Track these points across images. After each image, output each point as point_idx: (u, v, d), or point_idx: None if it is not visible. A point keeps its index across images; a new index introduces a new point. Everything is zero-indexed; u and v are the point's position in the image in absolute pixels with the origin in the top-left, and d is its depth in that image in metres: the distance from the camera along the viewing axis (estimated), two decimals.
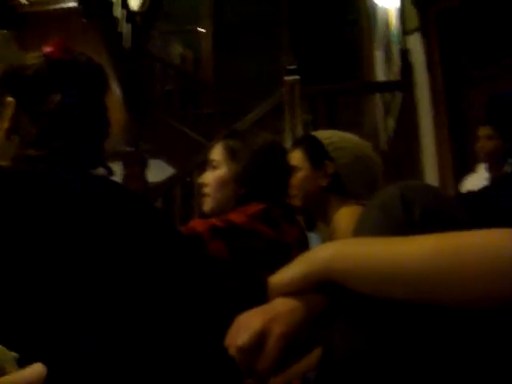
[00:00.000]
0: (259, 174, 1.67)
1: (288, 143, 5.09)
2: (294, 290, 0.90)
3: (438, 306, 0.79)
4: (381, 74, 7.36)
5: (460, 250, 0.78)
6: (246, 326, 0.86)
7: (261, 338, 0.85)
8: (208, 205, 1.74)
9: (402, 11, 5.33)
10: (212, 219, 1.48)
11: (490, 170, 3.70)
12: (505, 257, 0.74)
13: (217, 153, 1.76)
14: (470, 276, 0.76)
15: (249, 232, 1.44)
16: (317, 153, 1.95)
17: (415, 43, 5.10)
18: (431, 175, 4.73)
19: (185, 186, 5.35)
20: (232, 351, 0.86)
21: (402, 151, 5.12)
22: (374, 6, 7.23)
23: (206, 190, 1.75)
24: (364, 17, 8.26)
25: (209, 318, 1.03)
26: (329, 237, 1.85)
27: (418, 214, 0.89)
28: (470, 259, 0.77)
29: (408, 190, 0.93)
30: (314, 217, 1.95)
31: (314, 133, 2.11)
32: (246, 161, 1.67)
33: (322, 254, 0.89)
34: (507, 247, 0.75)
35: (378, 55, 7.57)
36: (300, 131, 5.00)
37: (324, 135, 2.01)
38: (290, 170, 1.83)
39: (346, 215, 1.82)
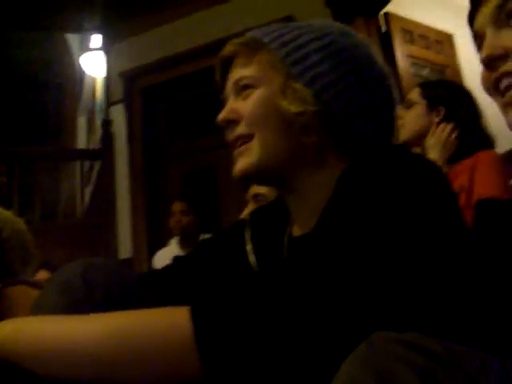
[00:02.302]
0: None
1: None
2: None
3: None
4: (83, 142, 7.30)
5: (135, 328, 0.75)
6: None
7: None
8: None
9: (108, 81, 5.37)
10: None
11: (182, 244, 3.82)
12: (181, 335, 0.73)
13: None
14: (146, 355, 0.73)
15: None
16: None
17: (119, 114, 5.16)
18: (125, 247, 4.72)
19: None
20: None
21: (98, 221, 5.06)
22: (81, 73, 7.20)
23: None
24: (69, 82, 8.17)
25: None
26: None
27: (100, 294, 0.87)
28: (145, 339, 0.74)
29: (90, 268, 0.90)
30: None
31: None
32: None
33: None
34: (184, 326, 0.73)
35: (82, 122, 7.52)
36: None
37: None
38: None
39: (11, 295, 1.67)
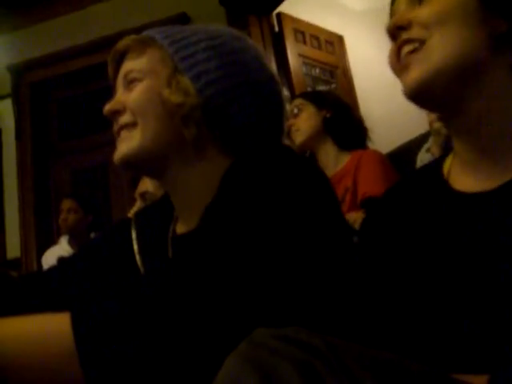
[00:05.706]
0: None
1: None
2: None
3: None
4: None
5: (20, 337, 0.74)
6: None
7: None
8: None
9: None
10: None
11: (72, 243, 3.75)
12: (61, 344, 0.72)
13: None
14: (35, 363, 0.72)
15: None
16: None
17: (7, 109, 4.96)
18: (14, 246, 4.57)
19: None
20: None
21: None
22: None
23: None
24: None
25: None
26: None
27: None
28: (30, 346, 0.73)
29: None
30: None
31: None
32: None
33: None
34: (64, 334, 0.73)
35: None
36: None
37: None
38: None
39: None
